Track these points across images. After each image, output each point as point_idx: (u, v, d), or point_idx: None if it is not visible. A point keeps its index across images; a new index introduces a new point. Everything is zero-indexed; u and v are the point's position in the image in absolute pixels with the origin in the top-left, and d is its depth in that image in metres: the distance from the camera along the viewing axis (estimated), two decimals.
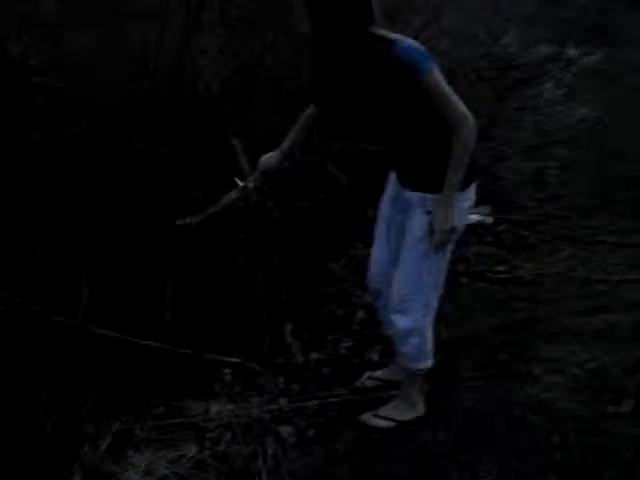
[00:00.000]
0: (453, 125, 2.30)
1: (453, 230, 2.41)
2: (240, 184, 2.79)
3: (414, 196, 2.48)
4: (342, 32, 2.23)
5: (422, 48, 2.27)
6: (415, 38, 2.37)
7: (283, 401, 2.80)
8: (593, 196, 5.28)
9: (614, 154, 6.28)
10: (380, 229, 2.71)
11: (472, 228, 4.49)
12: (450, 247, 2.50)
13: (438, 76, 2.28)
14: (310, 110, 2.69)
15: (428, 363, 2.67)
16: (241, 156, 2.98)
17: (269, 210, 3.32)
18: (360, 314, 3.43)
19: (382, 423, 2.74)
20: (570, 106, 8.15)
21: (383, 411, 2.77)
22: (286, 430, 2.64)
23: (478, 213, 4.68)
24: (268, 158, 2.75)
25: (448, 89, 2.30)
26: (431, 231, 2.41)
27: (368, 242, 3.04)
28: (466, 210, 2.49)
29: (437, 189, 2.37)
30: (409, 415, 2.77)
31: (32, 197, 3.03)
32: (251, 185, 2.78)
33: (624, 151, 6.36)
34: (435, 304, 2.57)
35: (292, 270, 3.52)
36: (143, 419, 2.69)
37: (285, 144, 2.74)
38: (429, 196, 2.42)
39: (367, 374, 2.97)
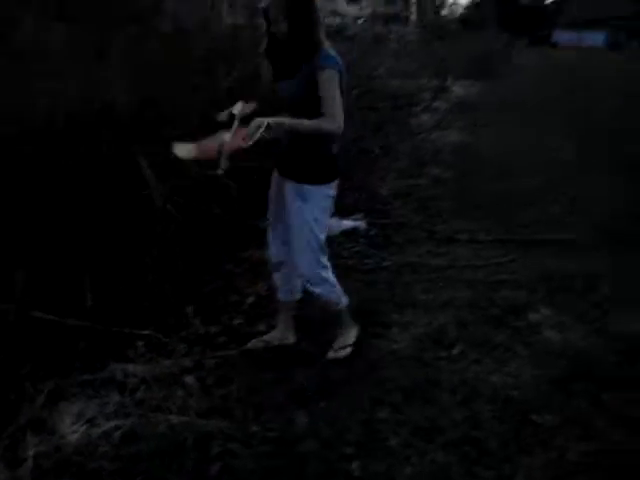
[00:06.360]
0: (325, 113, 2.96)
1: None
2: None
3: (292, 186, 3.22)
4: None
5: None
6: None
7: (187, 361, 3.46)
8: (453, 205, 6.21)
9: (473, 172, 7.29)
10: (271, 217, 3.46)
11: (349, 233, 5.33)
12: (325, 220, 3.28)
13: (333, 76, 2.98)
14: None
15: (345, 298, 3.48)
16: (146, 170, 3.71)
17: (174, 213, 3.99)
18: (250, 299, 4.15)
19: (342, 352, 3.49)
20: (441, 133, 9.15)
21: (337, 345, 3.52)
22: (190, 379, 3.30)
23: (354, 220, 5.53)
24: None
25: (337, 92, 2.99)
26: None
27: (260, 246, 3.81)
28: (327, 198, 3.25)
29: (307, 181, 3.16)
30: (354, 335, 3.57)
31: None
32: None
33: (482, 169, 7.39)
34: (325, 262, 3.32)
35: (192, 265, 4.20)
36: (72, 379, 3.30)
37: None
38: (304, 186, 3.18)
39: (255, 339, 3.68)
